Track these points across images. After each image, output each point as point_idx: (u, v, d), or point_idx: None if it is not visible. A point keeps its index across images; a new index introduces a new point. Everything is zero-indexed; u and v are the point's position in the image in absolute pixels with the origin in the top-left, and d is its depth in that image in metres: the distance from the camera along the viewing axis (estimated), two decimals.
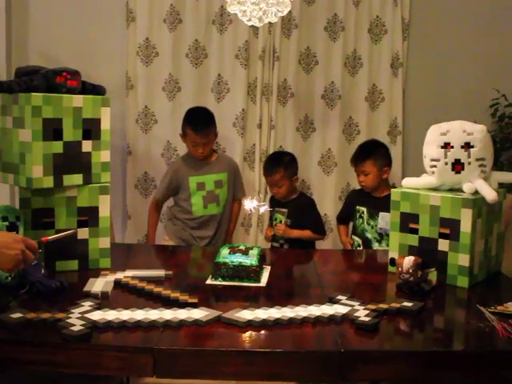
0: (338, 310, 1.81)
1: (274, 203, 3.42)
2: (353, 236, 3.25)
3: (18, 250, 1.71)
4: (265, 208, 2.33)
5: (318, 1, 3.75)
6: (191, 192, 3.32)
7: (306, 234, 3.27)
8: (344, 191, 3.86)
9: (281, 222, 3.31)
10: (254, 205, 2.37)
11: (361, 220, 3.18)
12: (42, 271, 2.00)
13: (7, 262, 1.70)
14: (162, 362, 1.56)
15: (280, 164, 3.28)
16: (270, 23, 3.47)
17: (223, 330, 1.69)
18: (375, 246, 3.08)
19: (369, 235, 3.13)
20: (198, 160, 3.36)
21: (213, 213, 3.36)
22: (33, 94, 2.07)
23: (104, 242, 2.29)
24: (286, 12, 2.39)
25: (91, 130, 2.23)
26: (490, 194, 2.13)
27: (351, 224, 3.35)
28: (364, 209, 3.17)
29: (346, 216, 3.37)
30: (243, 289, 2.07)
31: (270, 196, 3.64)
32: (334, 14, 3.76)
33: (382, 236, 3.07)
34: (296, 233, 3.26)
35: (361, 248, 3.16)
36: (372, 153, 3.19)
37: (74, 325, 1.63)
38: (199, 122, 3.31)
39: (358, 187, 3.42)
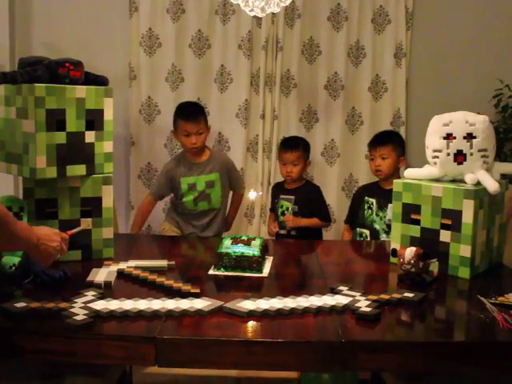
0: (340, 300, 1.82)
1: (279, 191, 3.45)
2: (358, 228, 3.24)
3: (58, 242, 1.82)
4: (257, 194, 2.34)
5: None
6: (183, 192, 3.35)
7: (314, 221, 3.33)
8: (347, 182, 3.86)
9: (287, 209, 3.34)
10: (256, 195, 2.37)
11: (370, 211, 3.18)
12: None
13: (51, 252, 1.80)
14: (165, 351, 1.58)
15: (299, 143, 3.40)
16: (273, 13, 3.45)
17: (225, 319, 1.70)
18: (383, 237, 3.08)
19: (377, 226, 3.13)
20: (191, 155, 3.35)
21: (203, 208, 3.36)
22: (36, 84, 2.08)
23: (107, 233, 2.31)
24: (288, 2, 2.39)
25: (94, 120, 2.24)
26: (491, 184, 2.13)
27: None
28: (373, 200, 3.17)
29: (354, 216, 3.31)
30: (245, 279, 2.08)
31: (272, 185, 3.66)
32: (337, 3, 3.75)
33: (390, 227, 3.06)
34: (305, 221, 3.31)
35: (368, 239, 3.16)
36: (393, 138, 3.26)
37: (77, 314, 1.65)
38: (189, 110, 3.35)
39: (360, 178, 3.43)
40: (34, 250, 1.77)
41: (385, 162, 3.14)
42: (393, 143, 3.20)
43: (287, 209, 3.35)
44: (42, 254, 1.78)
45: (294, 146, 3.36)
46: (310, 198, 3.37)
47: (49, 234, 1.80)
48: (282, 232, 3.38)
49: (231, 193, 3.54)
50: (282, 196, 3.40)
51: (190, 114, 3.31)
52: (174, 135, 3.46)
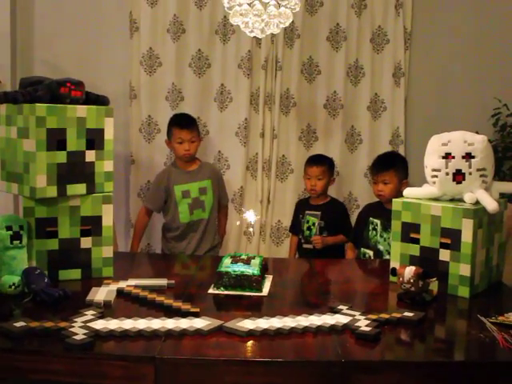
0: (339, 319, 1.81)
1: (304, 207, 3.57)
2: (362, 249, 3.25)
3: None
4: (254, 217, 2.37)
5: (321, 11, 3.78)
6: (177, 200, 3.44)
7: (340, 238, 3.49)
8: (346, 200, 3.87)
9: (314, 224, 3.45)
10: (253, 216, 2.38)
11: (374, 232, 3.18)
12: (46, 280, 2.00)
13: None
14: (164, 371, 1.57)
15: (325, 159, 3.57)
16: (272, 33, 3.50)
17: (225, 339, 1.70)
18: (386, 257, 3.08)
19: (381, 247, 3.14)
20: (182, 163, 3.50)
21: (199, 218, 3.47)
22: (37, 104, 2.09)
23: (107, 251, 2.31)
24: (287, 23, 2.41)
25: (95, 139, 2.25)
26: (490, 204, 2.14)
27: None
28: (378, 221, 3.17)
29: (358, 236, 3.33)
30: (245, 298, 2.08)
31: (296, 202, 3.75)
32: (336, 23, 3.78)
33: None
34: (332, 239, 3.45)
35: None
36: (395, 163, 3.26)
37: (76, 334, 1.64)
38: (183, 118, 3.52)
39: (359, 196, 3.45)
40: None
41: (387, 187, 3.16)
42: (395, 168, 3.21)
43: (313, 224, 3.46)
44: None
45: (320, 161, 3.51)
46: (335, 215, 3.50)
47: None
48: (308, 246, 3.47)
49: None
50: (307, 212, 3.51)
51: (185, 122, 3.48)
52: (168, 144, 3.57)
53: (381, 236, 3.14)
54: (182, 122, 3.47)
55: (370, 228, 3.21)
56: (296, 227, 3.61)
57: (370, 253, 3.17)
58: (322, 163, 3.50)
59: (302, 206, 3.62)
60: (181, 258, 3.11)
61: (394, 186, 3.16)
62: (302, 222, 3.53)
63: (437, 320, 1.98)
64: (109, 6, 3.81)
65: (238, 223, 2.37)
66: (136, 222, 3.64)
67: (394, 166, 3.22)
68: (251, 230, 2.37)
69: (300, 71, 3.80)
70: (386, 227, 3.11)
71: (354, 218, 3.63)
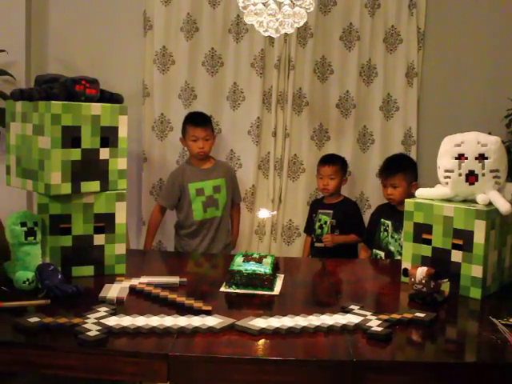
0: (351, 319, 1.82)
1: (317, 206, 3.60)
2: (374, 250, 3.26)
3: None
4: (269, 213, 2.36)
5: (334, 10, 3.78)
6: (191, 198, 3.47)
7: (352, 238, 3.49)
8: (358, 200, 3.86)
9: (326, 222, 3.48)
10: (267, 213, 2.39)
11: (385, 233, 3.19)
12: (59, 276, 2.02)
13: None
14: (176, 368, 1.58)
15: (338, 158, 3.59)
16: (285, 33, 3.50)
17: (237, 337, 1.71)
18: (397, 258, 3.08)
19: (392, 248, 3.14)
20: (197, 161, 3.53)
21: (212, 216, 3.50)
22: (52, 102, 2.11)
23: (120, 249, 2.32)
24: (302, 23, 2.41)
25: (109, 137, 2.26)
26: (503, 205, 2.13)
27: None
28: (389, 222, 3.18)
29: (371, 237, 3.34)
30: (257, 297, 2.09)
31: (311, 201, 3.78)
32: (349, 23, 3.78)
33: None
34: (343, 238, 3.46)
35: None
36: (403, 166, 3.27)
37: (90, 330, 1.66)
38: (197, 116, 3.55)
39: (371, 196, 3.44)
40: None
41: (396, 191, 3.18)
42: (403, 171, 3.21)
43: (325, 222, 3.49)
44: None
45: (332, 161, 3.54)
46: (347, 213, 3.52)
47: None
48: (320, 245, 3.49)
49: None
50: (320, 210, 3.54)
51: (199, 119, 3.52)
52: (182, 142, 3.60)
53: (392, 237, 3.14)
54: (197, 120, 3.50)
55: (382, 229, 3.22)
56: (310, 227, 3.62)
57: (382, 254, 3.18)
58: (334, 163, 3.52)
59: (315, 205, 3.65)
60: (193, 255, 3.12)
61: (403, 190, 3.17)
62: (315, 221, 3.55)
63: (448, 321, 1.98)
64: (123, 4, 3.82)
65: (260, 216, 2.36)
66: (150, 219, 3.66)
67: (402, 170, 3.22)
68: (268, 217, 2.33)
69: (313, 70, 3.80)
70: (397, 228, 3.11)
71: (365, 218, 3.64)
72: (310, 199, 3.86)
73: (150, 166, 3.87)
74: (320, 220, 3.52)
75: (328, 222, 3.47)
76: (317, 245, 3.52)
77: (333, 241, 3.42)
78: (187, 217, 3.50)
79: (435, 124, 3.80)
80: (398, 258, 3.06)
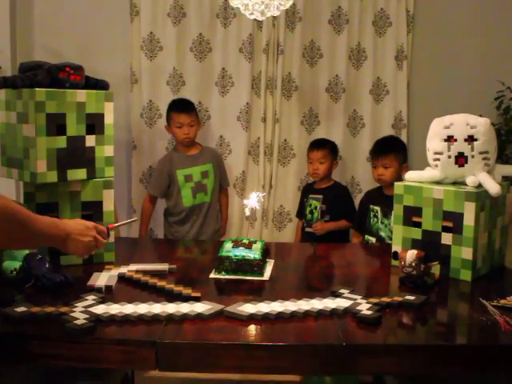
0: (341, 303, 1.81)
1: (308, 191, 3.60)
2: (366, 236, 3.25)
3: (91, 236, 1.83)
4: (258, 197, 2.34)
5: None
6: (180, 185, 3.48)
7: (342, 224, 3.47)
8: (348, 185, 3.85)
9: (316, 207, 3.46)
10: (256, 200, 2.36)
11: (375, 219, 3.18)
12: (47, 265, 2.00)
13: (81, 248, 1.81)
14: (165, 355, 1.57)
15: (327, 142, 3.58)
16: (273, 16, 3.46)
17: (226, 323, 1.70)
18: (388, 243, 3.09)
19: (383, 234, 3.14)
20: (183, 148, 3.54)
21: (201, 202, 3.51)
22: (36, 89, 2.08)
23: None
24: (288, 5, 2.39)
25: (95, 124, 2.23)
26: (493, 187, 2.13)
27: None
28: (378, 208, 3.18)
29: (361, 223, 3.33)
30: (246, 282, 2.08)
31: (302, 186, 3.77)
32: (338, 6, 3.75)
33: None
34: (333, 225, 3.44)
35: None
36: (395, 147, 3.27)
37: (77, 318, 1.64)
38: (181, 103, 3.55)
39: (362, 181, 3.43)
40: (62, 246, 1.77)
41: (387, 171, 3.16)
42: (395, 152, 3.21)
43: (315, 207, 3.48)
44: (71, 249, 1.78)
45: (322, 145, 3.53)
46: (337, 198, 3.51)
47: (81, 229, 1.80)
48: (310, 230, 3.48)
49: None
50: (310, 195, 3.54)
51: (183, 106, 3.51)
52: (168, 129, 3.59)
53: (382, 223, 3.14)
54: (181, 107, 3.50)
55: (371, 215, 3.22)
56: (302, 212, 3.61)
57: (373, 240, 3.18)
58: (323, 147, 3.51)
59: (306, 190, 3.64)
60: (182, 242, 3.11)
61: (394, 170, 3.16)
62: (305, 206, 3.54)
63: (438, 303, 1.98)
64: None
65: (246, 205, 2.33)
66: (141, 209, 3.66)
67: (393, 150, 3.22)
68: (253, 208, 2.32)
69: (302, 55, 3.78)
70: (386, 214, 3.11)
71: (356, 203, 3.62)
72: (300, 184, 3.84)
73: (139, 153, 3.84)
74: (310, 205, 3.51)
75: (318, 207, 3.46)
76: (307, 230, 3.52)
77: (323, 229, 3.41)
78: (177, 203, 3.50)
79: (425, 107, 3.78)
80: (389, 243, 3.06)
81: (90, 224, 1.86)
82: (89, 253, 1.89)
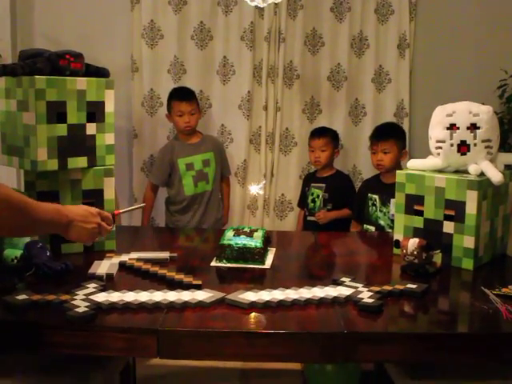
0: (342, 291, 1.81)
1: (310, 180, 3.59)
2: (365, 225, 3.25)
3: (95, 223, 1.81)
4: (261, 184, 2.34)
5: None
6: (181, 173, 3.47)
7: (344, 212, 3.46)
8: (350, 173, 3.84)
9: (318, 196, 3.47)
10: (259, 188, 2.36)
11: (374, 208, 3.18)
12: (48, 253, 2.00)
13: (85, 235, 1.79)
14: (166, 343, 1.57)
15: (328, 130, 3.57)
16: (275, 4, 3.44)
17: (227, 311, 1.70)
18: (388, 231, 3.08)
19: (382, 222, 3.14)
20: (184, 136, 3.53)
21: (203, 190, 3.51)
22: (36, 76, 2.07)
23: None
24: None
25: (95, 112, 2.22)
26: (495, 175, 2.12)
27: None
28: (376, 196, 3.17)
29: (360, 212, 3.32)
30: (247, 271, 2.08)
31: (304, 175, 3.77)
32: None
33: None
34: (336, 214, 3.45)
35: None
36: (395, 132, 3.27)
37: (78, 306, 1.64)
38: (182, 91, 3.54)
39: (363, 169, 3.42)
40: (64, 233, 1.75)
41: (387, 157, 3.15)
42: (395, 137, 3.21)
43: (318, 196, 3.48)
44: (73, 236, 1.77)
45: (323, 133, 3.52)
46: (340, 187, 3.51)
47: (84, 215, 1.78)
48: (312, 219, 3.49)
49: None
50: (312, 184, 3.53)
51: (184, 94, 3.50)
52: (169, 118, 3.58)
53: (380, 211, 3.14)
54: (181, 95, 3.48)
55: (370, 204, 3.21)
56: (303, 201, 3.61)
57: (372, 228, 3.17)
58: (324, 135, 3.50)
59: (308, 179, 3.64)
60: (184, 230, 3.11)
61: (393, 156, 3.16)
62: (307, 195, 3.54)
63: (440, 292, 1.98)
64: None
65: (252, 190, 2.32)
66: (143, 198, 3.65)
67: (394, 135, 3.22)
68: (259, 193, 2.31)
69: (303, 43, 3.76)
70: (385, 202, 3.11)
71: None
72: (302, 173, 3.84)
73: (140, 142, 3.83)
74: (312, 194, 3.50)
75: (320, 196, 3.46)
76: (309, 218, 3.52)
77: (325, 217, 3.41)
78: (178, 192, 3.49)
79: (428, 96, 3.76)
80: (389, 231, 3.06)
81: (94, 210, 1.84)
82: (92, 240, 1.87)
